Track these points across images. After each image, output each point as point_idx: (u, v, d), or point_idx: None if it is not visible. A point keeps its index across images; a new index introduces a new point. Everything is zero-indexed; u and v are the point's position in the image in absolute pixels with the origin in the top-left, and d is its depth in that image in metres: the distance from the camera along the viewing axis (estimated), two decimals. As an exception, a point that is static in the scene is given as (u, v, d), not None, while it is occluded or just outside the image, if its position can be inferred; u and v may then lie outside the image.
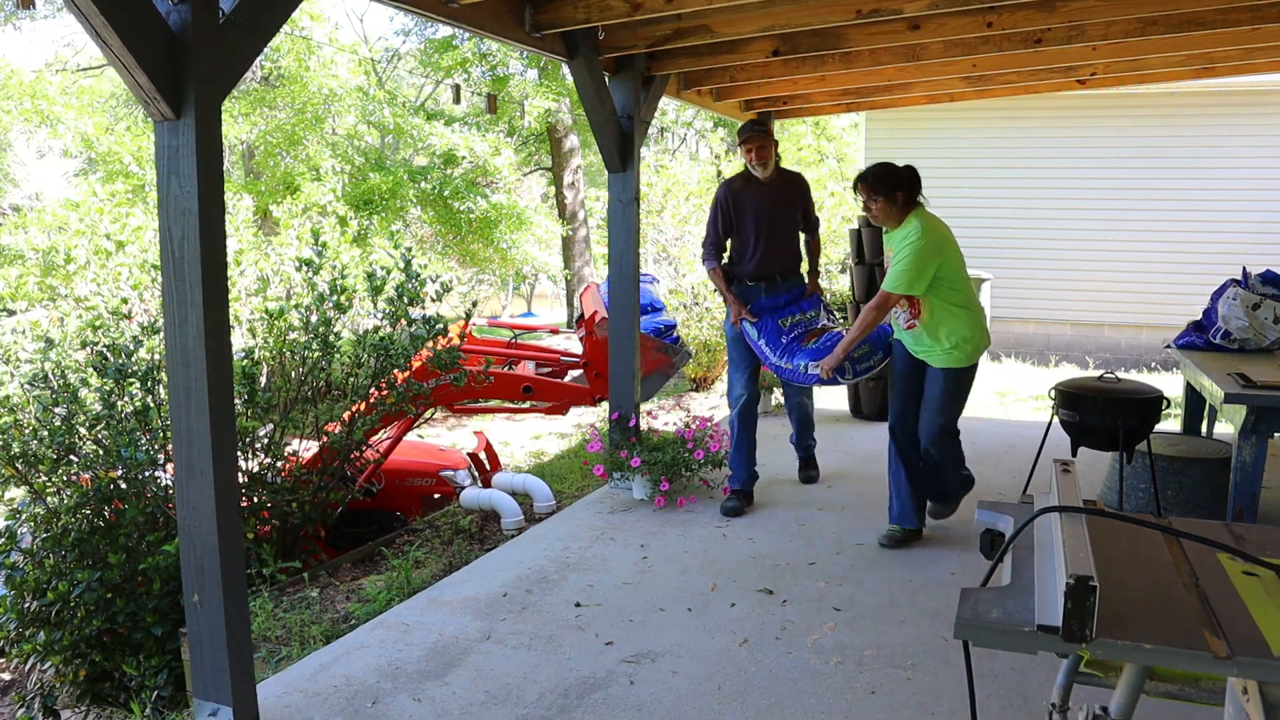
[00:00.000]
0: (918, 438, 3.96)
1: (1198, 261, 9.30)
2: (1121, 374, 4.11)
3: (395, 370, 5.13)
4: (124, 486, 4.07)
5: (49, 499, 4.13)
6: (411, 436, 6.01)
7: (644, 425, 5.28)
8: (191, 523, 2.42)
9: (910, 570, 3.81)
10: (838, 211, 9.99)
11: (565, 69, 11.29)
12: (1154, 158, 9.60)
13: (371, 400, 5.01)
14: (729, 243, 4.65)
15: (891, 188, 3.71)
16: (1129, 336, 9.99)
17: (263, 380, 5.42)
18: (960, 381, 3.84)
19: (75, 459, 4.22)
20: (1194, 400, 4.82)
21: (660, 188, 10.52)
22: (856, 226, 6.92)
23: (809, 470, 5.14)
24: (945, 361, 3.77)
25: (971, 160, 10.14)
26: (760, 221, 4.51)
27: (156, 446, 4.24)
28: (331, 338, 5.09)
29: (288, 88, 14.34)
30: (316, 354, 5.09)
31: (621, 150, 4.86)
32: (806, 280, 4.80)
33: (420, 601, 3.60)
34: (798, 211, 4.69)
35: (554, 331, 8.55)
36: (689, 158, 20.25)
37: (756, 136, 4.41)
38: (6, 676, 4.52)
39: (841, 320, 4.94)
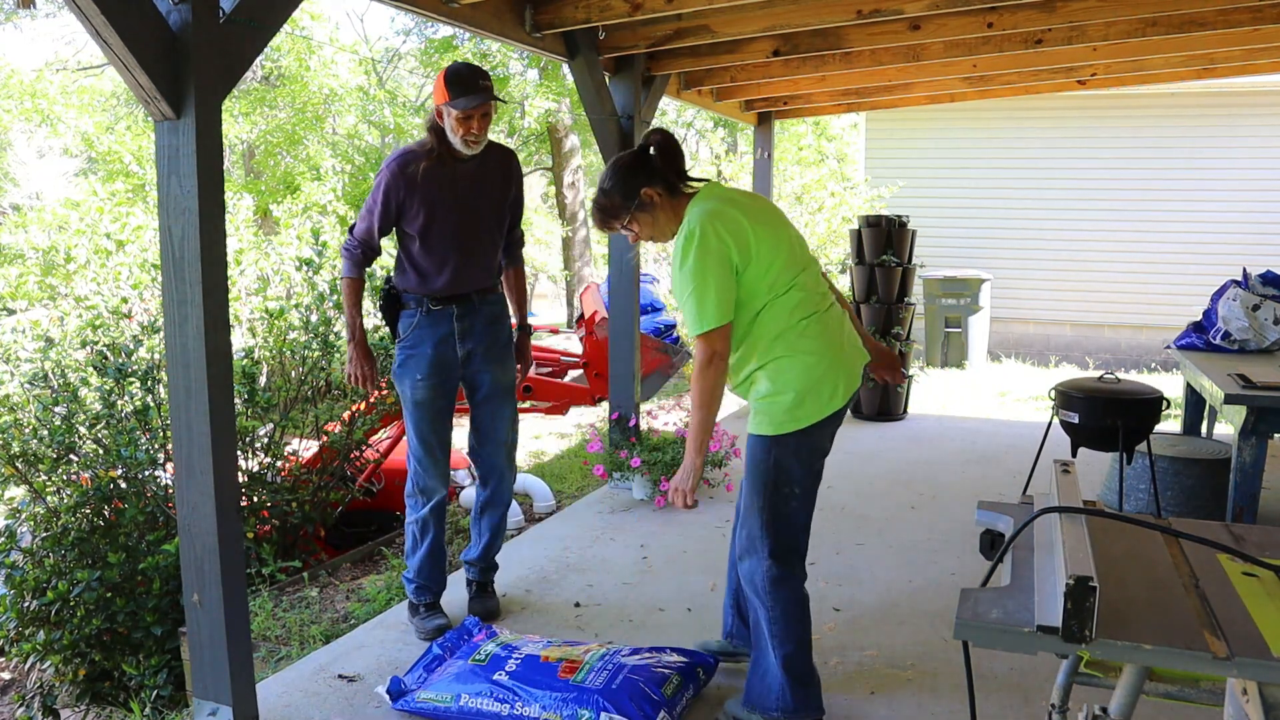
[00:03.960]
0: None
1: (1198, 262, 9.31)
2: (1121, 374, 4.11)
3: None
4: (124, 486, 4.07)
5: (49, 498, 4.13)
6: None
7: (644, 425, 5.28)
8: (191, 522, 2.42)
9: (910, 571, 3.81)
10: (838, 212, 9.99)
11: (565, 69, 11.29)
12: (1154, 158, 9.61)
13: (371, 400, 5.01)
14: (404, 247, 3.07)
15: (632, 188, 2.42)
16: (1129, 337, 9.99)
17: (263, 380, 5.43)
18: (765, 458, 2.39)
19: (75, 458, 4.22)
20: (1194, 401, 4.82)
21: (660, 188, 10.49)
22: (856, 227, 6.93)
23: (486, 601, 3.41)
24: (751, 424, 2.44)
25: (971, 160, 10.15)
26: (458, 218, 3.03)
27: (156, 446, 4.24)
28: (331, 337, 5.09)
29: (288, 87, 14.35)
30: (316, 354, 5.09)
31: (621, 150, 4.85)
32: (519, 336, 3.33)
33: (420, 601, 3.60)
34: (507, 206, 3.19)
35: (554, 331, 8.56)
36: (689, 158, 20.23)
37: (486, 101, 2.86)
38: (6, 676, 4.51)
39: None
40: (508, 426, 3.31)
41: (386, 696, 2.73)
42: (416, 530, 3.25)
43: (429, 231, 3.00)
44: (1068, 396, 3.48)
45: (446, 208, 3.01)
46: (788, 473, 2.39)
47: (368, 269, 3.15)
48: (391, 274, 3.14)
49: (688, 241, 2.31)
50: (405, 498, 3.26)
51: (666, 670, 2.66)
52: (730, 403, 8.46)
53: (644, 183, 2.41)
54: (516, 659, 2.72)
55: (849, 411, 2.57)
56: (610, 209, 2.47)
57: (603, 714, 2.47)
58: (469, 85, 2.82)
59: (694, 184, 2.50)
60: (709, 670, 2.81)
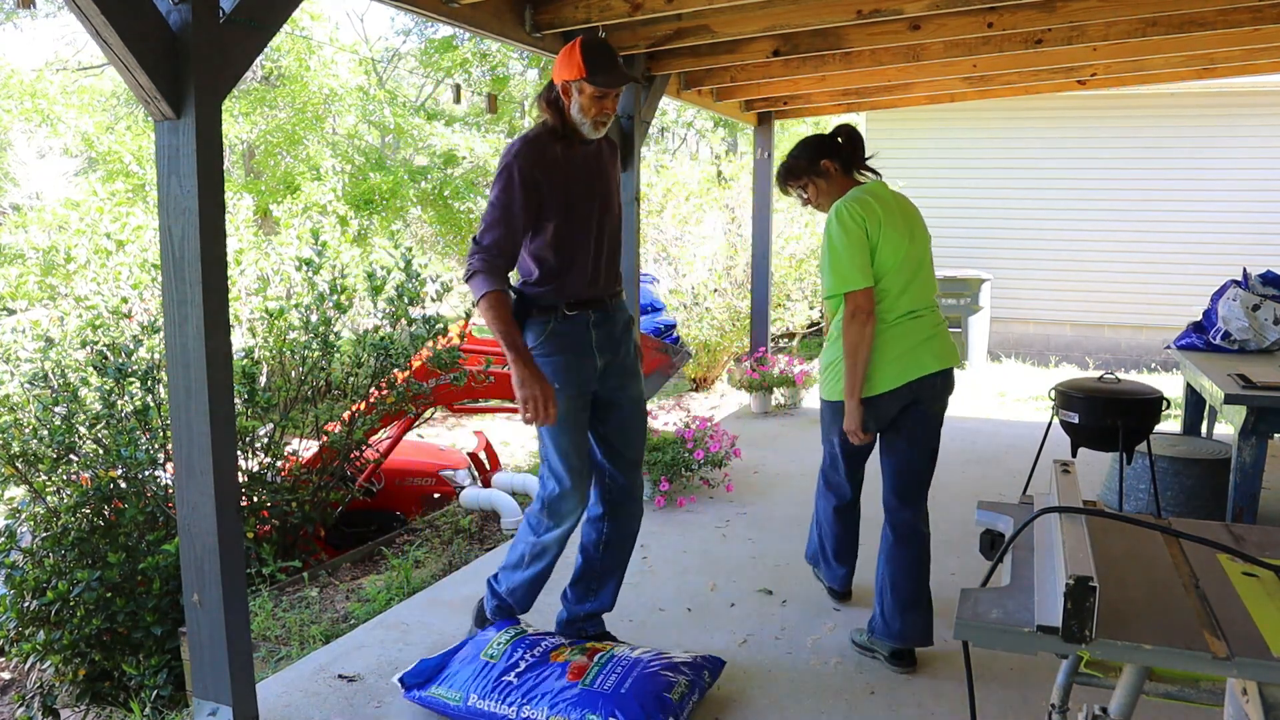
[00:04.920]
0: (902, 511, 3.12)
1: (1198, 262, 9.31)
2: (1121, 374, 4.11)
3: (395, 370, 5.13)
4: (124, 486, 4.07)
5: (49, 498, 4.13)
6: (411, 436, 6.01)
7: (644, 425, 5.27)
8: (191, 522, 2.42)
9: (910, 570, 3.80)
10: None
11: (565, 69, 11.24)
12: (1154, 158, 9.61)
13: (371, 400, 5.01)
14: (530, 244, 2.66)
15: (816, 157, 2.91)
16: (1129, 337, 9.99)
17: (263, 380, 5.42)
18: (821, 414, 3.13)
19: (75, 458, 4.22)
20: (1194, 401, 4.82)
21: (660, 188, 10.52)
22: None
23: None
24: (821, 389, 3.07)
25: (971, 160, 10.14)
26: (591, 206, 2.69)
27: (156, 446, 4.24)
28: (331, 337, 5.09)
29: (288, 87, 14.34)
30: (316, 354, 5.09)
31: (622, 150, 4.85)
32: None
33: (420, 601, 3.60)
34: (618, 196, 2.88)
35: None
36: (689, 158, 20.24)
37: (625, 81, 2.57)
38: (6, 676, 4.52)
39: None
40: (640, 443, 2.93)
41: (399, 684, 2.75)
42: (528, 552, 2.86)
43: (565, 223, 2.62)
44: (1068, 396, 3.47)
45: (579, 195, 2.64)
46: (828, 428, 3.08)
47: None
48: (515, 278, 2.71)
49: (837, 218, 2.77)
50: (526, 515, 2.90)
51: (673, 675, 2.64)
52: (730, 403, 8.45)
53: (826, 156, 2.91)
54: (528, 659, 2.69)
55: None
56: (795, 170, 2.96)
57: (610, 719, 2.47)
58: (610, 62, 2.52)
59: (868, 175, 2.95)
60: (715, 673, 2.80)
